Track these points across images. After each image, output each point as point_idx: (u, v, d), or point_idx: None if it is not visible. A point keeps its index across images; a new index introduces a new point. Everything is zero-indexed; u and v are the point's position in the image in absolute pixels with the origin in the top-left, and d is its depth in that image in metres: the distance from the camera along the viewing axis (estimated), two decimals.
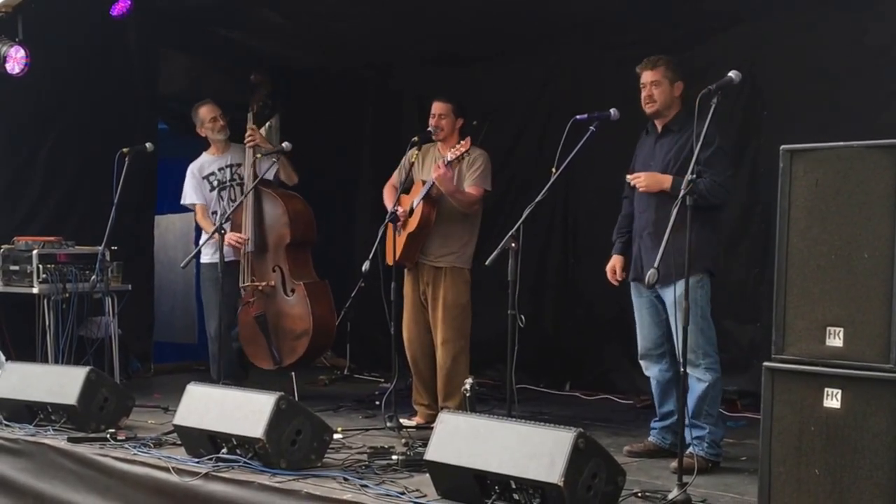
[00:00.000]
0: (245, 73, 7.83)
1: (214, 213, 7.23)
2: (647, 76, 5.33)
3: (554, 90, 7.96)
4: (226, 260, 6.85)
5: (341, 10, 7.59)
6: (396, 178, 6.61)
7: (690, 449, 5.12)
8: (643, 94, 5.34)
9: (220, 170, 7.31)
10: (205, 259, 7.19)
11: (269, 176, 7.09)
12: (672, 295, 5.04)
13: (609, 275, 5.63)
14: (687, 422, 5.17)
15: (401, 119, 8.88)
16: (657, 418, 5.51)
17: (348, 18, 7.68)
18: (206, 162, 7.37)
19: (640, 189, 5.29)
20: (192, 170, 7.36)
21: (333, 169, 9.06)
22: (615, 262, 5.63)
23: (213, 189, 7.30)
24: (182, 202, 7.42)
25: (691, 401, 5.19)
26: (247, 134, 7.24)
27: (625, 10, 7.06)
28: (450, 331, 6.25)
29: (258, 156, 7.19)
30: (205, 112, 7.30)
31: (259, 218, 7.13)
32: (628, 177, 5.37)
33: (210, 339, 7.28)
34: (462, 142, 6.10)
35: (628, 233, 5.60)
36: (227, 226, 6.99)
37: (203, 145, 7.51)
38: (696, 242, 5.08)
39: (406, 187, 6.42)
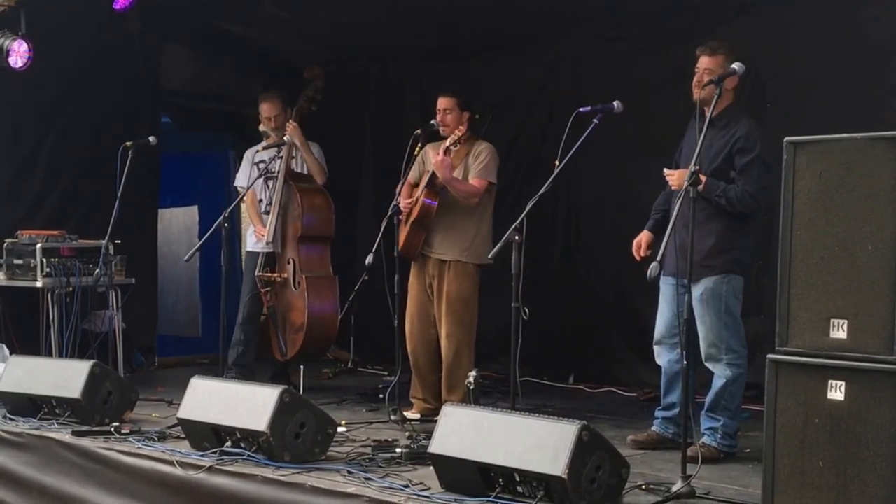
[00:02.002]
0: (248, 66, 7.85)
1: (261, 200, 7.28)
2: (703, 62, 5.21)
3: (556, 82, 7.95)
4: (263, 250, 7.12)
5: (343, 4, 7.58)
6: (413, 174, 6.48)
7: (703, 439, 5.14)
8: (695, 78, 5.21)
9: (270, 159, 7.30)
10: (247, 248, 7.29)
11: (298, 168, 7.24)
12: (699, 291, 5.04)
13: (634, 248, 5.53)
14: (703, 412, 5.20)
15: (402, 112, 8.86)
16: (661, 407, 5.50)
17: (350, 12, 7.67)
18: (262, 148, 7.40)
19: (673, 187, 5.22)
20: (248, 154, 7.44)
21: (335, 163, 9.01)
22: (642, 237, 5.53)
23: (259, 176, 7.29)
24: (234, 183, 7.51)
25: (710, 394, 5.21)
26: (287, 126, 7.22)
27: (627, 2, 7.05)
28: (453, 324, 6.24)
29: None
30: (263, 109, 7.30)
31: (283, 210, 7.16)
32: (665, 170, 5.29)
33: (236, 325, 7.29)
34: (460, 127, 6.05)
35: (663, 210, 5.51)
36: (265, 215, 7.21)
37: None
38: (718, 241, 5.09)
39: (415, 181, 6.41)
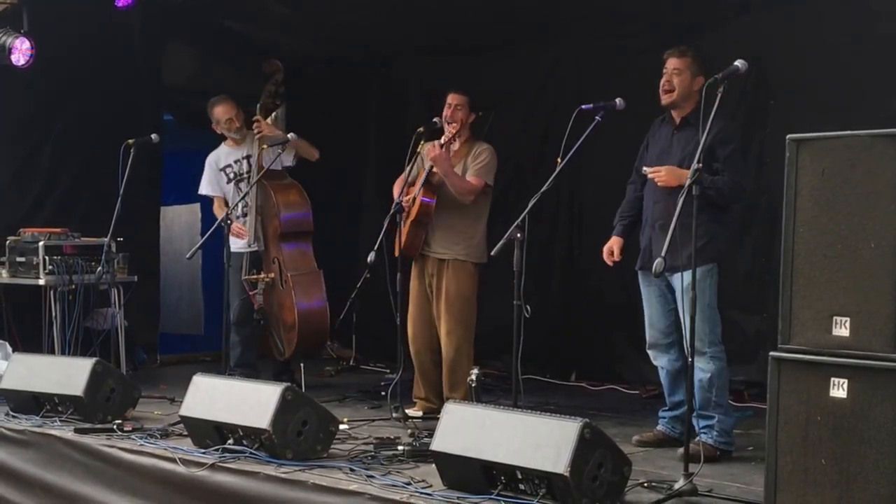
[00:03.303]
0: (251, 63, 7.82)
1: (235, 205, 7.24)
2: (671, 63, 5.30)
3: (559, 80, 7.95)
4: (247, 250, 7.03)
5: (345, 2, 7.58)
6: (411, 173, 6.55)
7: (700, 437, 5.13)
8: (663, 79, 5.32)
9: (236, 162, 7.25)
10: (232, 248, 7.22)
11: (278, 166, 7.08)
12: (681, 283, 5.04)
13: (605, 255, 5.59)
14: (694, 413, 5.20)
15: (406, 109, 8.87)
16: (666, 407, 5.50)
17: (353, 9, 7.66)
18: (223, 154, 7.33)
19: (660, 183, 5.21)
20: (210, 161, 7.33)
21: (338, 160, 9.04)
22: (613, 244, 5.59)
23: (229, 181, 7.25)
24: (199, 192, 7.42)
25: (698, 391, 5.19)
26: (253, 125, 7.21)
27: (628, 1, 7.03)
28: (453, 322, 6.24)
29: (263, 147, 7.18)
30: (220, 112, 7.23)
31: (260, 210, 7.13)
32: (646, 169, 5.29)
33: (232, 327, 7.26)
34: (453, 124, 6.11)
35: (629, 216, 5.59)
36: (243, 218, 7.08)
37: (211, 136, 7.49)
38: (706, 232, 5.10)
39: (413, 179, 6.41)
